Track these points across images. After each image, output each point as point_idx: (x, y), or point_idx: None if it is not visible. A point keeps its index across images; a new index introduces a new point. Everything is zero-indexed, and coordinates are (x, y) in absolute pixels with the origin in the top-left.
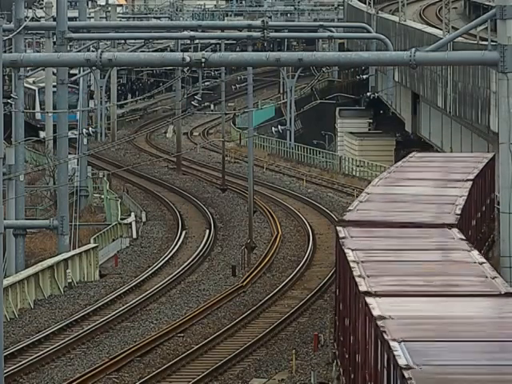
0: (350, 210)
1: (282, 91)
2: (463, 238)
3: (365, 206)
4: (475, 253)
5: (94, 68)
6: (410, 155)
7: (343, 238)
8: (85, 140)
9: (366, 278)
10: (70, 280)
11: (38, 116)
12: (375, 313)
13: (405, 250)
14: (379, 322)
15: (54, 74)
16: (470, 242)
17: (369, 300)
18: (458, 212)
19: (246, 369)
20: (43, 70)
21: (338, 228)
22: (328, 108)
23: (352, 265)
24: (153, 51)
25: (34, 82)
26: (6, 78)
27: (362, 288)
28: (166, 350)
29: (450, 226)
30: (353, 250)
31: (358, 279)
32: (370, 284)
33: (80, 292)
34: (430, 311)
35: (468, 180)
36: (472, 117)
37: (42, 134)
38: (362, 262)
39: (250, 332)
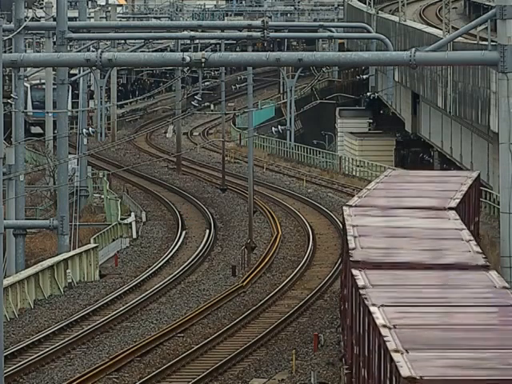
0: (353, 248)
1: (281, 91)
2: (506, 285)
3: (367, 243)
4: None
5: (94, 68)
6: (385, 173)
7: (363, 287)
8: (85, 140)
9: (406, 354)
10: (70, 280)
11: (30, 112)
12: None
13: (446, 305)
14: None
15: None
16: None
17: None
18: (478, 250)
19: (246, 369)
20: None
21: (355, 272)
22: (328, 108)
23: (383, 332)
24: (153, 51)
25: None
26: (6, 77)
27: (404, 372)
28: (166, 350)
29: (485, 267)
30: (379, 306)
31: (394, 355)
32: (413, 364)
33: (80, 292)
34: None
35: (452, 208)
36: (472, 117)
37: (34, 130)
38: (396, 327)
39: (250, 332)
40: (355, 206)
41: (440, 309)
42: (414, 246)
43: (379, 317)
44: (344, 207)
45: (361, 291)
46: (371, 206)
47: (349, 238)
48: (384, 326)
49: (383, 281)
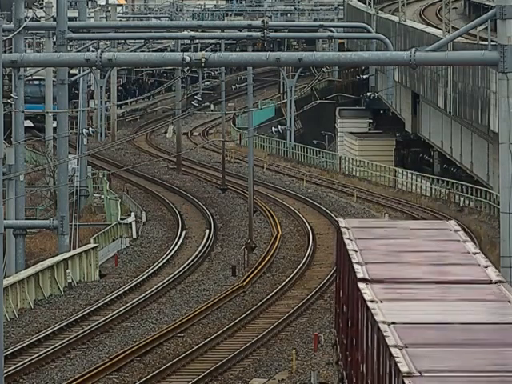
0: (408, 373)
1: (281, 91)
2: None
3: (429, 361)
4: None
5: (94, 68)
6: (343, 225)
7: None
8: (85, 140)
9: None
10: (70, 280)
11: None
12: None
13: None
14: None
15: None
16: None
17: None
18: None
19: (246, 369)
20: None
21: None
22: (328, 108)
23: None
24: (153, 51)
25: None
26: (6, 77)
27: None
28: (166, 350)
29: None
30: None
31: None
32: None
33: (80, 292)
34: None
35: (501, 281)
36: (472, 117)
37: (25, 123)
38: None
39: (250, 332)
40: (373, 282)
41: None
42: (500, 363)
43: None
44: (360, 284)
45: None
46: (393, 281)
47: (392, 349)
48: None
49: None
